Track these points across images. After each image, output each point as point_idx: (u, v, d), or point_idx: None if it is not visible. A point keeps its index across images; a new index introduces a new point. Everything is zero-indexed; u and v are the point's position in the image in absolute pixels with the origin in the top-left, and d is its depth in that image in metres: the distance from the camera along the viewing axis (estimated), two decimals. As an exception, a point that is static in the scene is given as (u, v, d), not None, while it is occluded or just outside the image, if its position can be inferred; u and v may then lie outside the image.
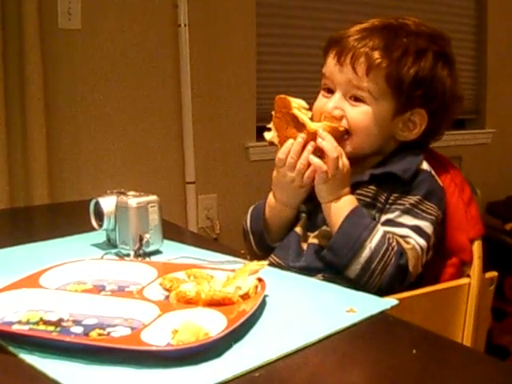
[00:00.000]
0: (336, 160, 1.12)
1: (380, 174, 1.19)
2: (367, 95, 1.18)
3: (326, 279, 1.12)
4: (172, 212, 2.52)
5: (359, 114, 1.19)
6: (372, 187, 1.19)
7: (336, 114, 1.19)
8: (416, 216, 1.15)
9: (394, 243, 1.11)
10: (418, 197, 1.16)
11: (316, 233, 1.21)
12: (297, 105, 1.16)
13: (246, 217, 1.31)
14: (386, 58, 1.17)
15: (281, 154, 1.17)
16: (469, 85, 3.61)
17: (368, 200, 1.18)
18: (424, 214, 1.16)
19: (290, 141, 1.16)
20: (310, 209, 1.24)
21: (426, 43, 1.20)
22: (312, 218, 1.23)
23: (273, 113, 1.17)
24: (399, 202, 1.16)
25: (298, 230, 1.25)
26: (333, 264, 1.13)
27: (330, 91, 1.23)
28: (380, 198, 1.18)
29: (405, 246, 1.13)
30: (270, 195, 1.26)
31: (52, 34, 2.33)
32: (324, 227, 1.20)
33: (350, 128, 1.19)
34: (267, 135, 1.19)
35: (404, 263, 1.11)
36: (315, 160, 1.14)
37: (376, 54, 1.17)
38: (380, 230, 1.12)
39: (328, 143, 1.13)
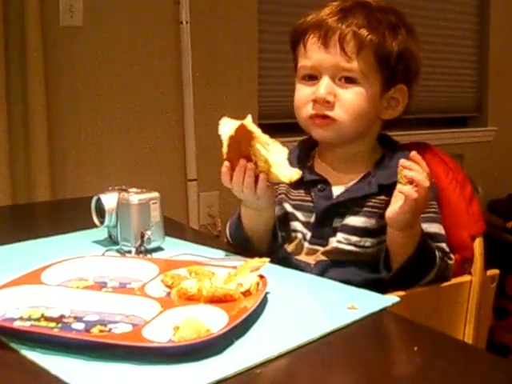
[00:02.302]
0: (427, 189, 1.03)
1: (388, 184, 1.14)
2: (359, 74, 1.17)
3: None
4: (173, 210, 2.52)
5: (353, 96, 1.17)
6: (381, 197, 1.17)
7: (330, 99, 1.17)
8: (439, 221, 1.17)
9: (444, 261, 1.14)
10: (433, 202, 1.16)
11: (326, 248, 1.18)
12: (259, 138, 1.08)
13: (226, 231, 1.30)
14: (373, 34, 1.16)
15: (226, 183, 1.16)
16: (471, 82, 3.60)
17: (381, 211, 1.14)
18: (439, 216, 1.18)
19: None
20: (313, 222, 1.21)
21: (394, 18, 1.21)
22: (317, 232, 1.20)
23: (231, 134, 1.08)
24: None
25: (290, 249, 1.23)
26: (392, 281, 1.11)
27: (312, 78, 1.21)
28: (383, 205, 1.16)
29: (449, 262, 1.15)
30: (242, 207, 1.22)
31: (54, 32, 2.33)
32: (335, 244, 1.18)
33: (344, 112, 1.17)
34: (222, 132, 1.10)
35: (447, 277, 1.16)
36: (405, 188, 1.03)
37: (363, 32, 1.16)
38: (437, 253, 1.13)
39: (417, 173, 1.03)
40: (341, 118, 1.17)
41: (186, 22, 2.58)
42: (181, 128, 2.64)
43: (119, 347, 0.73)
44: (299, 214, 1.23)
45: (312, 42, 1.20)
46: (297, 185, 1.20)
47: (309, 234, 1.21)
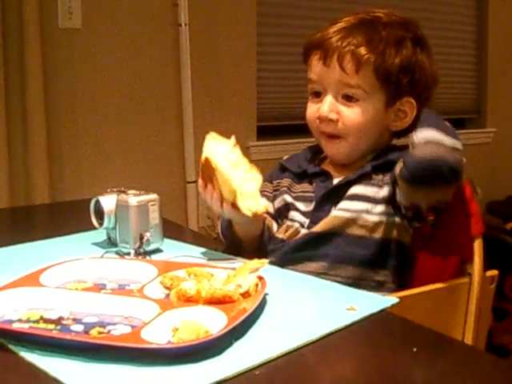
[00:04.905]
0: None
1: (380, 164, 1.22)
2: (359, 91, 1.21)
3: (326, 267, 1.16)
4: (172, 211, 2.52)
5: (355, 114, 1.22)
6: (376, 174, 1.22)
7: (332, 117, 1.23)
8: None
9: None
10: None
11: (320, 223, 1.21)
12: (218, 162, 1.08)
13: (218, 228, 1.31)
14: (372, 52, 1.20)
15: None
16: (469, 84, 3.61)
17: (373, 181, 1.21)
18: None
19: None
20: (312, 208, 1.25)
21: (402, 32, 1.24)
22: (314, 218, 1.23)
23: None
24: None
25: (281, 236, 1.25)
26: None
27: (318, 95, 1.26)
28: (384, 179, 1.20)
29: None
30: None
31: (52, 34, 2.33)
32: (327, 217, 1.20)
33: (347, 129, 1.23)
34: None
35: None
36: None
37: (362, 51, 1.20)
38: None
39: None
40: (345, 134, 1.23)
41: (185, 24, 2.59)
42: (180, 130, 2.65)
43: (118, 349, 0.73)
44: (299, 204, 1.27)
45: (315, 60, 1.25)
46: (301, 179, 1.29)
47: (307, 222, 1.25)
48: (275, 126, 2.98)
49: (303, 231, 1.24)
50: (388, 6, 3.04)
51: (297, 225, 1.25)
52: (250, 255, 1.21)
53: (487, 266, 1.22)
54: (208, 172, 1.10)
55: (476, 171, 2.90)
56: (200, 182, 1.15)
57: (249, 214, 1.09)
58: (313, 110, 1.27)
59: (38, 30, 2.22)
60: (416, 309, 1.05)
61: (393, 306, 0.91)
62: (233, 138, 1.13)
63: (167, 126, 2.64)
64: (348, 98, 1.22)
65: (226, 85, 2.74)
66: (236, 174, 1.10)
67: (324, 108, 1.23)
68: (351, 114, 1.22)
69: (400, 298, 0.94)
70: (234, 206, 1.09)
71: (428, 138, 1.05)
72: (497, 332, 2.48)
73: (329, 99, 1.23)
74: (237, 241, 1.24)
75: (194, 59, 2.62)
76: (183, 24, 2.58)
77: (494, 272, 1.23)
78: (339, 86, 1.22)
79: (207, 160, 1.08)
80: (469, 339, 1.17)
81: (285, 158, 1.38)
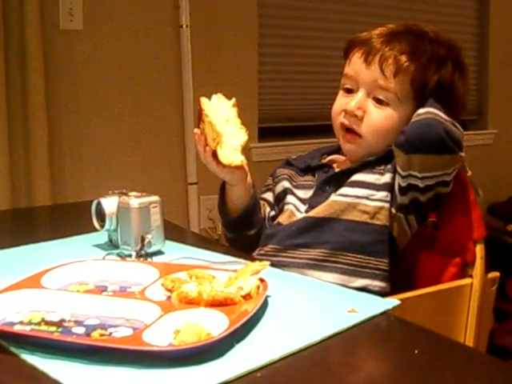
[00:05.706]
0: None
1: (384, 155, 1.22)
2: (392, 97, 1.22)
3: (326, 254, 1.17)
4: (174, 213, 2.52)
5: (383, 117, 1.23)
6: (377, 165, 1.23)
7: (358, 113, 1.23)
8: None
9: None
10: None
11: (319, 207, 1.22)
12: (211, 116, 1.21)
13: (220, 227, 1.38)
14: (414, 62, 1.21)
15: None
16: (471, 85, 3.60)
17: (376, 171, 1.22)
18: None
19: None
20: (311, 194, 1.27)
21: (445, 52, 1.25)
22: (312, 203, 1.25)
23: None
24: None
25: (281, 220, 1.28)
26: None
27: (350, 91, 1.27)
28: (386, 167, 1.21)
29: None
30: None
31: (53, 35, 2.33)
32: (324, 203, 1.21)
33: (369, 129, 1.23)
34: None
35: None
36: None
37: (404, 58, 1.21)
38: None
39: None
40: (365, 134, 1.24)
41: (186, 26, 2.58)
42: (181, 131, 2.65)
43: (119, 351, 0.73)
44: (298, 192, 1.29)
45: (356, 57, 1.26)
46: (305, 172, 1.32)
47: (304, 207, 1.26)
48: (277, 128, 2.98)
49: (299, 215, 1.25)
50: (389, 6, 3.05)
51: (291, 207, 1.27)
52: (250, 240, 1.30)
53: (489, 267, 1.22)
54: (202, 119, 1.23)
55: (477, 172, 2.90)
56: (196, 129, 1.24)
57: (224, 162, 1.18)
58: (341, 102, 1.28)
59: (39, 31, 2.22)
60: (417, 311, 1.05)
61: (394, 308, 0.91)
62: (233, 99, 1.21)
63: (168, 127, 2.63)
64: (378, 101, 1.23)
65: (227, 86, 2.72)
66: (226, 127, 1.19)
67: (352, 103, 1.24)
68: (377, 115, 1.23)
69: (401, 299, 0.94)
70: (215, 154, 1.20)
71: (427, 110, 1.12)
72: (498, 333, 2.48)
73: (359, 96, 1.24)
74: (232, 216, 1.30)
75: (196, 61, 2.62)
76: (184, 26, 2.58)
77: (496, 274, 1.23)
78: (374, 86, 1.23)
79: (201, 107, 1.21)
80: (470, 341, 1.17)
81: (293, 157, 1.40)
